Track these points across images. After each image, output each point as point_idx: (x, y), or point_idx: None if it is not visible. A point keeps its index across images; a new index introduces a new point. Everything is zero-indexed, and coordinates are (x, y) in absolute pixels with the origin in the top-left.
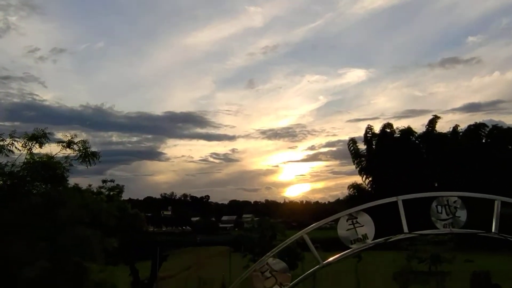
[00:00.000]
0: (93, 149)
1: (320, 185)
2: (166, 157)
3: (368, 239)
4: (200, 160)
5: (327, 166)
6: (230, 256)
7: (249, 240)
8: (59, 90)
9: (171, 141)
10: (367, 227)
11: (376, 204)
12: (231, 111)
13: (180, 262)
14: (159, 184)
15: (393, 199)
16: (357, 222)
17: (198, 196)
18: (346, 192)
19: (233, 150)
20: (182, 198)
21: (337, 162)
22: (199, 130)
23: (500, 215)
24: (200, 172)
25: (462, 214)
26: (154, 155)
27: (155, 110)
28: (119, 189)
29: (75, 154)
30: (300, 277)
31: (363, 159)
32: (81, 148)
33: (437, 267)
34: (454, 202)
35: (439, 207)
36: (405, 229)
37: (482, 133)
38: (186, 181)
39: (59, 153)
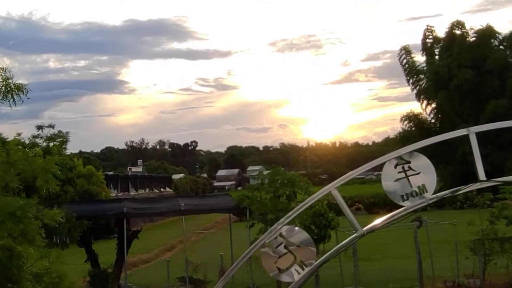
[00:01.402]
0: (20, 80)
1: (360, 118)
2: (130, 87)
3: (427, 192)
4: (181, 89)
5: (369, 89)
6: (231, 228)
7: (257, 203)
8: None
9: (136, 64)
10: (425, 174)
11: (438, 140)
12: (223, 14)
13: (158, 240)
14: (122, 128)
15: (463, 131)
16: (410, 168)
17: (181, 143)
18: (398, 126)
19: (229, 73)
20: (158, 147)
21: (383, 83)
22: (176, 45)
23: None
24: (182, 108)
25: None
26: (112, 85)
27: (110, 18)
28: (63, 138)
29: None
30: (331, 251)
31: (422, 76)
32: None
33: None
34: None
35: None
36: (481, 175)
37: None
38: (162, 122)
39: None
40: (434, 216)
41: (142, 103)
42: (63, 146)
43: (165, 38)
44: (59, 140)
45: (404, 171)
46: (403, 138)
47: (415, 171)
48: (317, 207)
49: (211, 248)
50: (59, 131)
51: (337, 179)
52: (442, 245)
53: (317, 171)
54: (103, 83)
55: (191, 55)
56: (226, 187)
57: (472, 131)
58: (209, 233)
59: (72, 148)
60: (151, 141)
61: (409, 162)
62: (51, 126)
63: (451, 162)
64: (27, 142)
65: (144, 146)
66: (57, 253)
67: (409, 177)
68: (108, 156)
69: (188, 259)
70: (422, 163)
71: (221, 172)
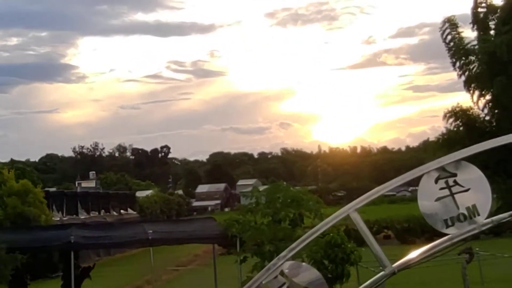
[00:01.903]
0: None
1: (389, 114)
2: (79, 74)
3: (479, 215)
4: (147, 77)
5: (401, 76)
6: (215, 263)
7: (251, 230)
8: None
9: (87, 42)
10: (476, 191)
11: (494, 145)
12: None
13: (117, 280)
14: (68, 128)
15: None
16: (456, 184)
17: (148, 148)
18: (441, 126)
19: (212, 54)
20: (117, 154)
21: (420, 67)
22: (141, 17)
23: None
24: (150, 101)
25: None
26: (55, 71)
27: None
28: None
29: None
30: None
31: (473, 58)
32: None
33: None
34: None
35: None
36: None
37: None
38: (123, 121)
39: None
40: (490, 246)
41: (95, 95)
42: None
43: (126, 7)
44: None
45: (449, 187)
46: (448, 142)
47: (463, 187)
48: (331, 235)
49: None
50: None
51: (358, 197)
52: (500, 286)
53: (331, 186)
54: (42, 68)
55: (161, 30)
56: (209, 208)
57: None
58: (186, 270)
59: (0, 155)
60: (108, 146)
61: (455, 175)
62: None
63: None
64: None
65: (98, 153)
66: None
67: (455, 195)
68: (50, 166)
69: None
70: (473, 176)
71: (202, 188)
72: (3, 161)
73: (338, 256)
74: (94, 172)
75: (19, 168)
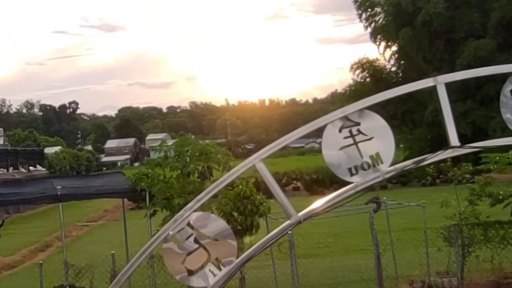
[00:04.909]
0: None
1: (296, 67)
2: None
3: (382, 163)
4: (55, 32)
5: (305, 28)
6: (125, 218)
7: (160, 184)
8: None
9: None
10: (379, 140)
11: (397, 94)
12: None
13: (27, 237)
14: None
15: (428, 82)
16: (359, 132)
17: (56, 104)
18: (348, 78)
19: (116, 8)
20: (24, 111)
21: (326, 18)
22: None
23: None
24: (57, 57)
25: None
26: None
27: None
28: None
29: None
30: (256, 244)
31: (379, 10)
32: None
33: None
34: None
35: None
36: (453, 140)
37: None
38: (29, 77)
39: None
40: (397, 195)
41: (0, 51)
42: None
43: None
44: None
45: (352, 136)
46: (355, 93)
47: (366, 135)
48: (240, 187)
49: (99, 246)
50: None
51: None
52: (407, 233)
53: (240, 139)
54: None
55: None
56: (119, 163)
57: (440, 81)
58: (96, 226)
59: None
60: (15, 102)
61: (359, 124)
62: None
63: (418, 124)
64: None
65: (5, 110)
66: None
67: (359, 144)
68: None
69: (69, 262)
70: (376, 124)
71: (111, 143)
72: None
73: (247, 208)
74: (1, 129)
75: None
